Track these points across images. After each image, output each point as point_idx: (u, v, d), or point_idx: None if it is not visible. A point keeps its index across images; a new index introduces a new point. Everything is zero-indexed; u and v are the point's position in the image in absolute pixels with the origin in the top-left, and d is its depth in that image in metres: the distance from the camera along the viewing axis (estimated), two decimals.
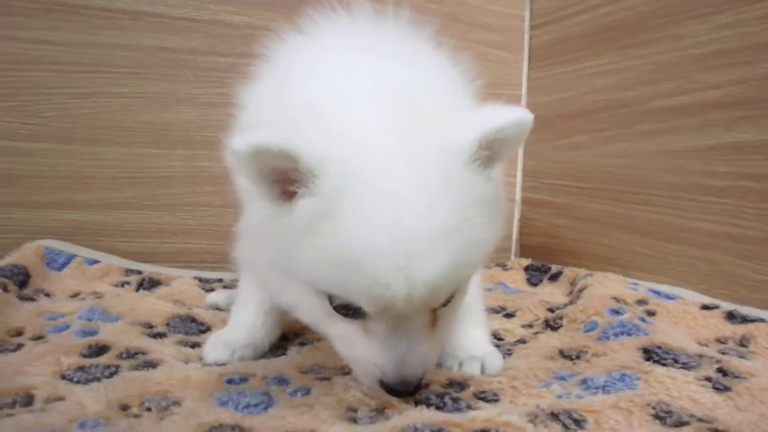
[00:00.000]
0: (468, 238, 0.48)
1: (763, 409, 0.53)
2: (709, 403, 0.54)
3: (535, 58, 1.23)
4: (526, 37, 1.24)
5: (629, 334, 0.72)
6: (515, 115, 0.49)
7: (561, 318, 0.84)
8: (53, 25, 0.97)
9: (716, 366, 0.62)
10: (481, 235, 0.50)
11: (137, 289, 0.91)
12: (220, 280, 1.01)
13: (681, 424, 0.50)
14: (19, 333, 0.71)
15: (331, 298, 0.50)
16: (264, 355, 0.71)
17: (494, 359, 0.67)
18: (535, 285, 1.13)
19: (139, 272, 0.97)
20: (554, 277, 1.12)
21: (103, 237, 1.02)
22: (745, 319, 0.76)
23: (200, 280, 0.98)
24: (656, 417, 0.51)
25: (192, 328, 0.79)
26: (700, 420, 0.50)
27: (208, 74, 1.05)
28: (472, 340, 0.69)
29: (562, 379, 0.63)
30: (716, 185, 0.86)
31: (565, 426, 0.49)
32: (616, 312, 0.79)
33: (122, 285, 0.92)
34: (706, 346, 0.72)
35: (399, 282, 0.46)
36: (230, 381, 0.61)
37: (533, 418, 0.50)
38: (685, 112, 0.90)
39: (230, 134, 0.59)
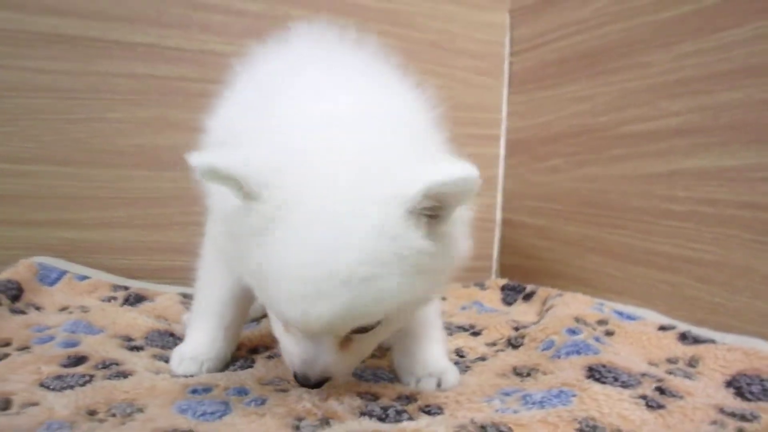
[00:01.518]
0: (374, 292, 0.50)
1: (691, 427, 0.56)
2: (638, 420, 0.57)
3: (515, 83, 1.27)
4: (506, 63, 1.28)
5: (578, 353, 0.75)
6: (460, 172, 0.48)
7: (523, 337, 0.87)
8: (52, 55, 1.04)
9: (656, 385, 0.65)
10: (394, 291, 0.50)
11: (122, 304, 0.96)
12: None
13: None
14: (6, 343, 0.76)
15: None
16: (227, 366, 0.75)
17: (450, 375, 0.70)
18: (510, 304, 1.16)
19: (126, 288, 1.02)
20: (528, 297, 1.14)
21: (96, 254, 1.07)
22: (696, 340, 0.78)
23: (184, 296, 1.03)
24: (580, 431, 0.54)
25: (169, 342, 0.83)
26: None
27: (198, 100, 1.09)
28: (429, 358, 0.72)
29: (506, 394, 0.66)
30: (677, 210, 0.88)
31: None
32: (573, 332, 0.83)
33: (109, 300, 0.96)
34: (656, 366, 0.75)
35: (296, 312, 0.50)
36: (194, 391, 0.65)
37: (459, 430, 0.53)
38: (651, 138, 0.93)
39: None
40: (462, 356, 0.83)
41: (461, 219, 0.58)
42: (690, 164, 0.86)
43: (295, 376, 0.57)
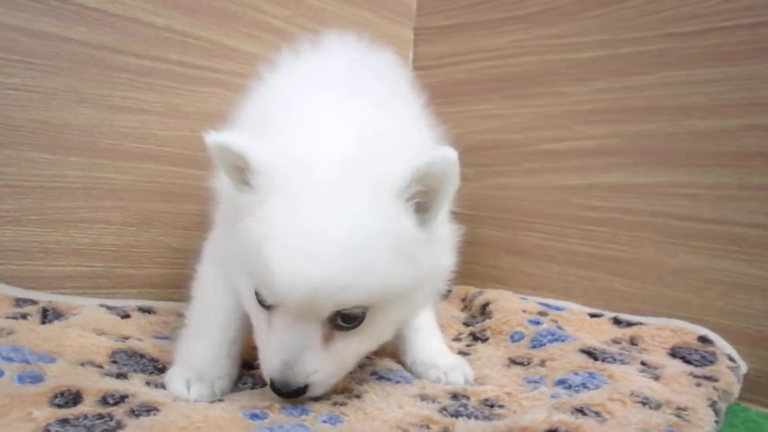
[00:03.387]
0: (362, 264, 0.53)
1: (689, 390, 0.69)
2: (659, 389, 0.68)
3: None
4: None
5: (562, 341, 0.85)
6: (442, 153, 0.55)
7: (485, 330, 0.95)
8: None
9: (639, 360, 0.78)
10: (381, 271, 0.54)
11: (42, 322, 0.75)
12: (154, 310, 0.90)
13: (658, 406, 0.63)
14: None
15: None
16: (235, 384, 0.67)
17: (468, 368, 0.75)
18: None
19: (33, 301, 0.79)
20: (444, 295, 1.22)
21: None
22: (629, 323, 0.94)
23: (108, 307, 0.85)
24: (642, 403, 0.63)
25: (147, 366, 0.69)
26: (665, 403, 0.63)
27: (118, 75, 0.92)
28: (441, 352, 0.78)
29: (536, 382, 0.73)
30: (594, 216, 1.06)
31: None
32: (536, 322, 0.93)
33: (23, 317, 0.75)
34: (609, 345, 0.88)
35: (286, 278, 0.52)
36: (254, 416, 0.56)
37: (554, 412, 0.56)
38: (567, 156, 1.10)
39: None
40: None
41: (447, 231, 0.66)
42: (606, 179, 1.05)
43: (272, 384, 0.57)
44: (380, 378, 0.71)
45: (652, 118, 0.99)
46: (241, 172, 0.57)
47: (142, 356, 0.70)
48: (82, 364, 0.64)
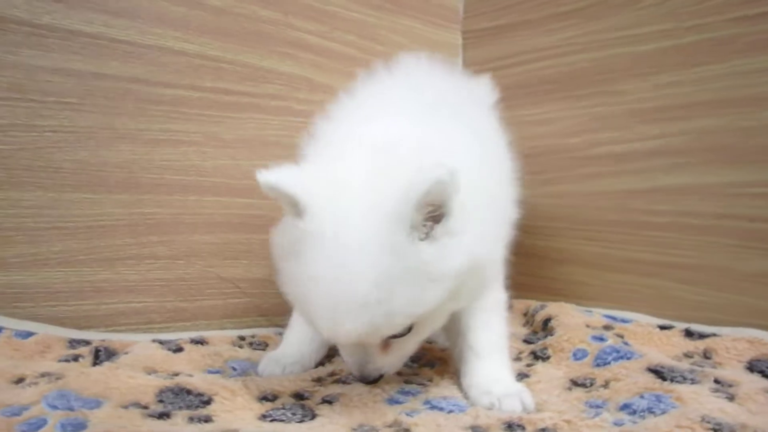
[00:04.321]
0: (391, 308, 0.56)
1: (766, 409, 0.63)
2: (733, 411, 0.61)
3: None
4: None
5: (627, 358, 0.79)
6: (435, 177, 0.54)
7: (546, 348, 0.89)
8: None
9: (712, 378, 0.71)
10: (410, 302, 0.57)
11: (94, 363, 0.75)
12: (207, 340, 0.89)
13: None
14: None
15: None
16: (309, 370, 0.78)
17: (527, 395, 0.70)
18: None
19: (86, 342, 0.79)
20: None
21: (25, 302, 0.83)
22: (701, 335, 0.88)
23: (161, 342, 0.84)
24: (714, 430, 0.57)
25: (192, 402, 0.67)
26: (740, 428, 0.56)
27: (154, 107, 0.92)
28: (498, 377, 0.73)
29: (599, 407, 0.68)
30: (658, 221, 0.99)
31: None
32: (600, 338, 0.87)
33: (75, 359, 0.74)
34: (680, 360, 0.81)
35: (327, 330, 0.58)
36: None
37: None
38: (626, 158, 1.03)
39: None
40: None
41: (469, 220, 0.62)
42: (670, 181, 0.97)
43: (354, 376, 0.66)
44: (432, 407, 0.68)
45: (721, 112, 0.91)
46: (294, 207, 0.59)
47: (189, 392, 0.68)
48: (127, 407, 0.62)
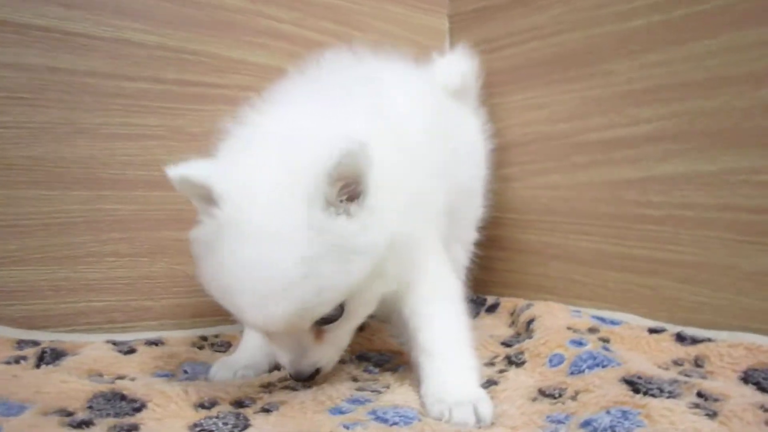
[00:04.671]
0: (316, 286, 0.56)
1: (753, 429, 0.55)
2: (710, 431, 0.55)
3: None
4: None
5: (603, 366, 0.72)
6: (345, 148, 0.55)
7: (522, 353, 0.83)
8: None
9: (695, 391, 0.64)
10: (336, 279, 0.57)
11: (38, 365, 0.73)
12: (164, 341, 0.86)
13: None
14: None
15: None
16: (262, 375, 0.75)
17: (485, 405, 0.62)
18: (472, 318, 1.12)
19: (35, 342, 0.78)
20: (491, 309, 1.11)
21: None
22: (694, 340, 0.80)
23: (115, 343, 0.82)
24: None
25: (123, 409, 0.63)
26: None
27: (113, 101, 0.89)
28: (452, 383, 0.65)
29: (560, 422, 0.61)
30: (653, 214, 0.90)
31: None
32: (579, 343, 0.80)
33: (17, 361, 0.73)
34: (667, 369, 0.74)
35: (255, 316, 0.57)
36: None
37: None
38: (618, 145, 0.95)
39: None
40: None
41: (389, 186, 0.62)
42: (664, 169, 0.88)
43: (290, 375, 0.65)
44: (377, 418, 0.62)
45: (717, 92, 0.82)
46: (207, 201, 0.59)
47: (123, 398, 0.64)
48: (49, 414, 0.60)
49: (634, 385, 0.66)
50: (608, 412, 0.59)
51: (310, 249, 0.55)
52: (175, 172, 0.58)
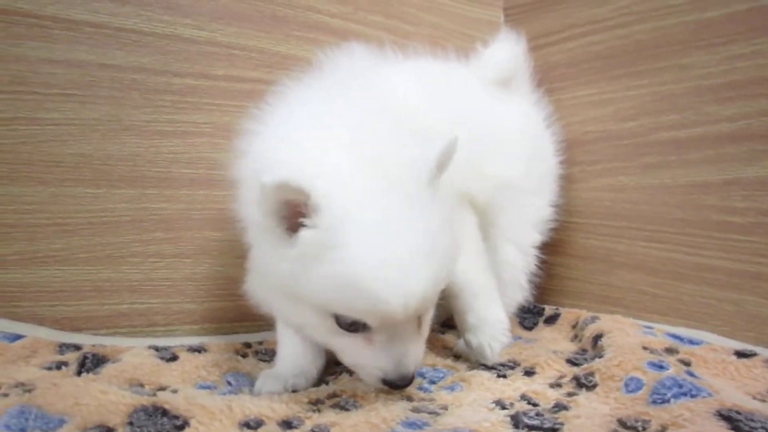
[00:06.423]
0: (446, 253, 0.61)
1: None
2: None
3: None
4: None
5: (692, 396, 0.63)
6: (449, 140, 0.61)
7: (592, 374, 0.74)
8: None
9: None
10: (449, 249, 0.62)
11: (78, 372, 0.70)
12: (206, 348, 0.83)
13: None
14: None
15: (337, 318, 0.61)
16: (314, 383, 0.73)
17: (501, 337, 0.82)
18: (529, 329, 1.04)
19: (77, 347, 0.75)
20: (551, 320, 1.03)
21: (23, 302, 0.80)
22: None
23: (157, 349, 0.79)
24: None
25: (164, 426, 0.59)
26: None
27: (161, 98, 0.87)
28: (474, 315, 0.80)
29: None
30: (737, 221, 0.82)
31: None
32: (659, 366, 0.71)
33: (58, 367, 0.70)
34: (763, 401, 0.65)
35: (397, 298, 0.57)
36: None
37: None
38: (696, 145, 0.86)
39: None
40: (535, 404, 0.69)
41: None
42: (750, 172, 0.80)
43: (389, 383, 0.63)
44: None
45: None
46: (292, 213, 0.57)
47: (165, 413, 0.61)
48: (89, 429, 0.56)
49: (733, 421, 0.56)
50: None
51: (437, 219, 0.60)
52: (274, 179, 0.55)
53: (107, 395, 0.62)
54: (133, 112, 0.86)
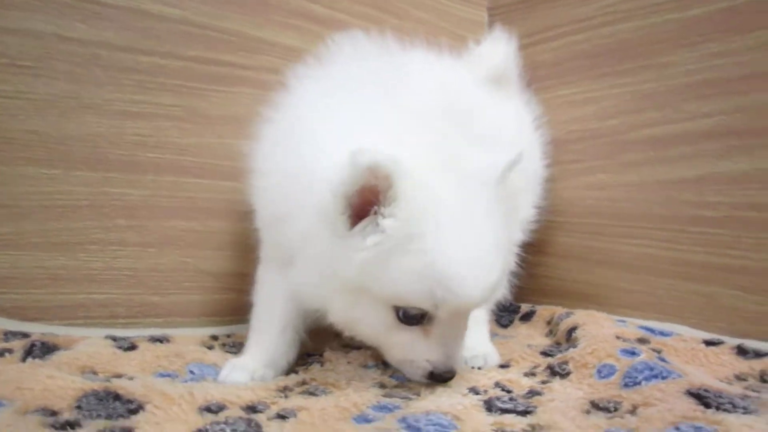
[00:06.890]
0: (504, 249, 0.65)
1: None
2: None
3: None
4: None
5: (663, 378, 0.63)
6: (518, 152, 0.65)
7: (566, 363, 0.74)
8: None
9: None
10: (507, 246, 0.69)
11: (24, 359, 0.65)
12: (169, 339, 0.79)
13: None
14: None
15: (398, 311, 0.61)
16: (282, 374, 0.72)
17: (494, 356, 0.79)
18: (505, 326, 1.04)
19: (24, 334, 0.70)
20: (526, 317, 1.03)
21: None
22: (758, 354, 0.73)
23: (115, 339, 0.74)
24: None
25: (116, 410, 0.54)
26: None
27: (126, 76, 0.82)
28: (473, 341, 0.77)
29: None
30: (711, 216, 0.82)
31: None
32: (631, 353, 0.71)
33: (1, 354, 0.65)
34: (730, 384, 0.67)
35: (477, 289, 0.59)
36: None
37: None
38: (674, 142, 0.87)
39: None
40: (509, 391, 0.67)
41: None
42: (725, 168, 0.82)
43: (436, 377, 0.65)
44: (408, 427, 0.54)
45: None
46: (365, 203, 0.57)
47: (117, 398, 0.56)
48: (30, 413, 0.51)
49: (702, 399, 0.57)
50: (677, 429, 0.52)
51: (498, 217, 0.63)
52: (365, 159, 0.54)
53: (54, 380, 0.57)
54: (94, 89, 0.80)
